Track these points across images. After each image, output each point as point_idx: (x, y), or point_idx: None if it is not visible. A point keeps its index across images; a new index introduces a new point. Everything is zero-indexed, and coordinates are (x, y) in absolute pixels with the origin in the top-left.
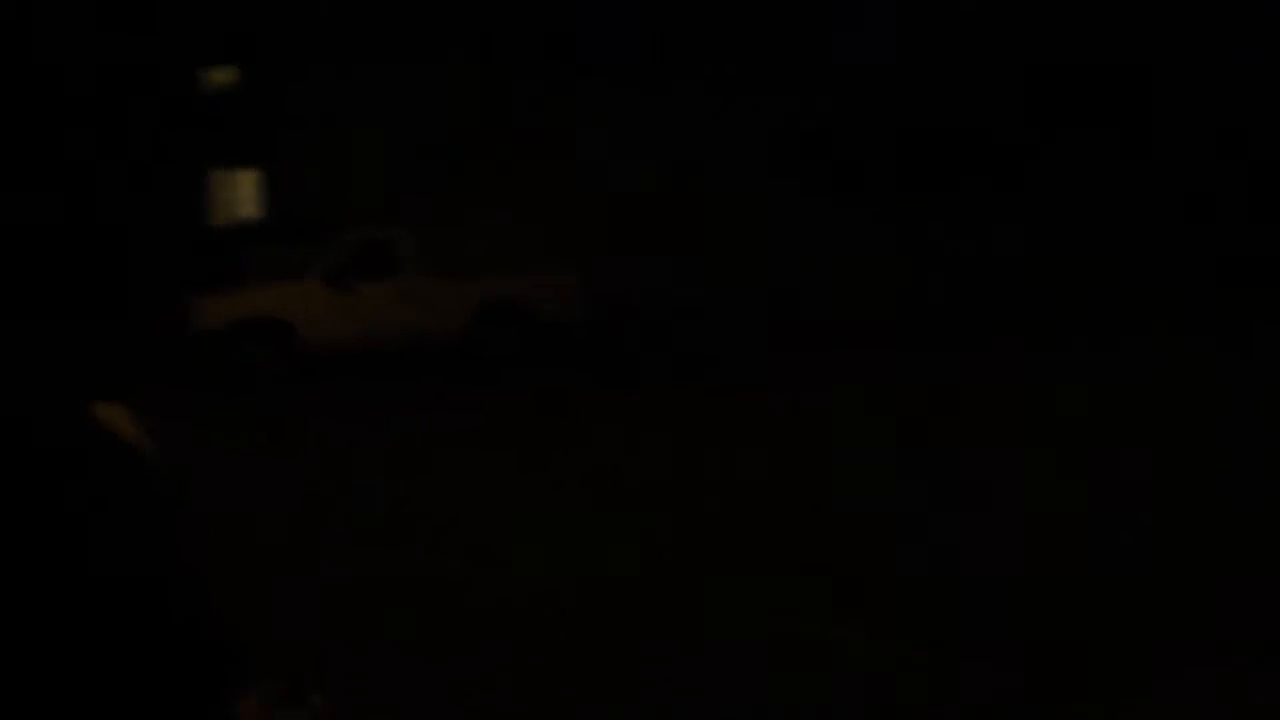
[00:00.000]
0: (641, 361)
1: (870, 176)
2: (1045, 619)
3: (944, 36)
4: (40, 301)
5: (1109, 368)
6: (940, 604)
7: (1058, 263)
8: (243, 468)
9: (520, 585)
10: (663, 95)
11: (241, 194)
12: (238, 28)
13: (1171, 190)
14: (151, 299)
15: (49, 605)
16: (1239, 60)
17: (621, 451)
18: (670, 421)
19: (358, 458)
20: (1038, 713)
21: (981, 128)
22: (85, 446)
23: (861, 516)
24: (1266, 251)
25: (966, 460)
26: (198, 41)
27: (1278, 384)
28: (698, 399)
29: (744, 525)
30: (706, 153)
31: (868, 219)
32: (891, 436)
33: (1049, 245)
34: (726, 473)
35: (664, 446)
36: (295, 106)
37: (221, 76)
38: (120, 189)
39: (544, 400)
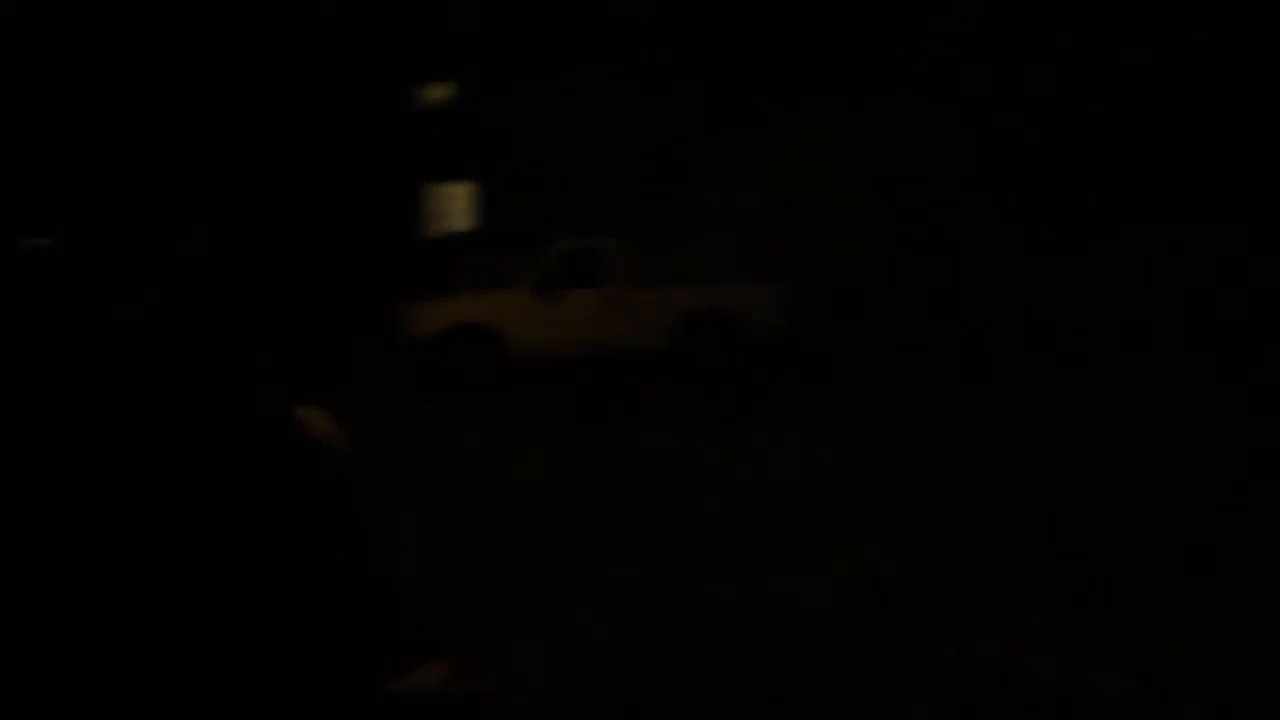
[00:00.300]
0: (844, 373)
1: (1091, 191)
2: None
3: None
4: (255, 306)
5: None
6: (1158, 637)
7: None
8: (445, 469)
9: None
10: (872, 106)
11: (455, 206)
12: (452, 45)
13: None
14: (367, 307)
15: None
16: None
17: (823, 462)
18: (877, 435)
19: (559, 461)
20: None
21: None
22: (284, 444)
23: (1101, 536)
24: None
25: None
26: (414, 59)
27: None
28: (903, 413)
29: (957, 538)
30: (919, 164)
31: (1081, 236)
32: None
33: None
34: (944, 486)
35: (866, 460)
36: (506, 120)
37: (437, 93)
38: (342, 200)
39: (746, 408)
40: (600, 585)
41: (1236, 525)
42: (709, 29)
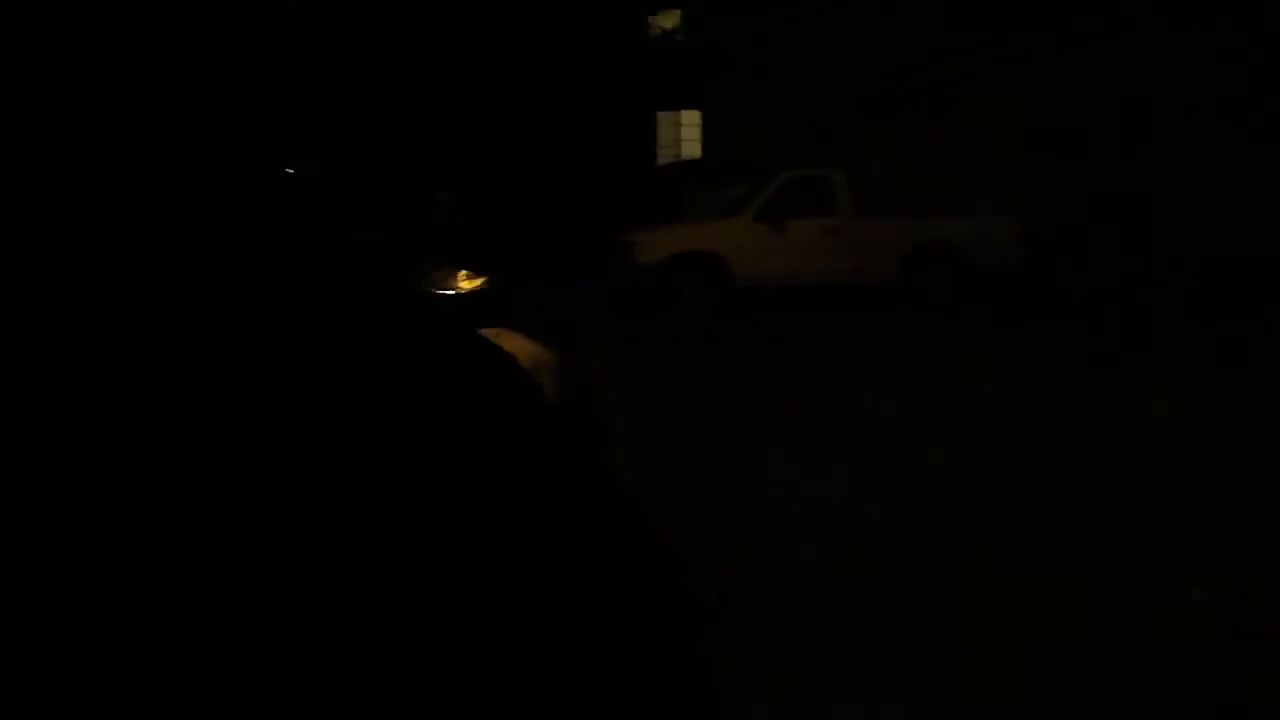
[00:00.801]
0: (1073, 308)
1: None
2: None
3: None
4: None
5: None
6: None
7: None
8: (669, 393)
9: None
10: (1107, 36)
11: (684, 134)
12: None
13: None
14: (601, 235)
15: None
16: None
17: (1039, 397)
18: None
19: (779, 389)
20: None
21: None
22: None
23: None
24: None
25: None
26: None
27: None
28: (1126, 347)
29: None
30: (1155, 94)
31: None
32: None
33: None
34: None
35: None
36: (734, 47)
37: (665, 21)
38: (575, 129)
39: (967, 343)
40: (820, 517)
41: None
42: None
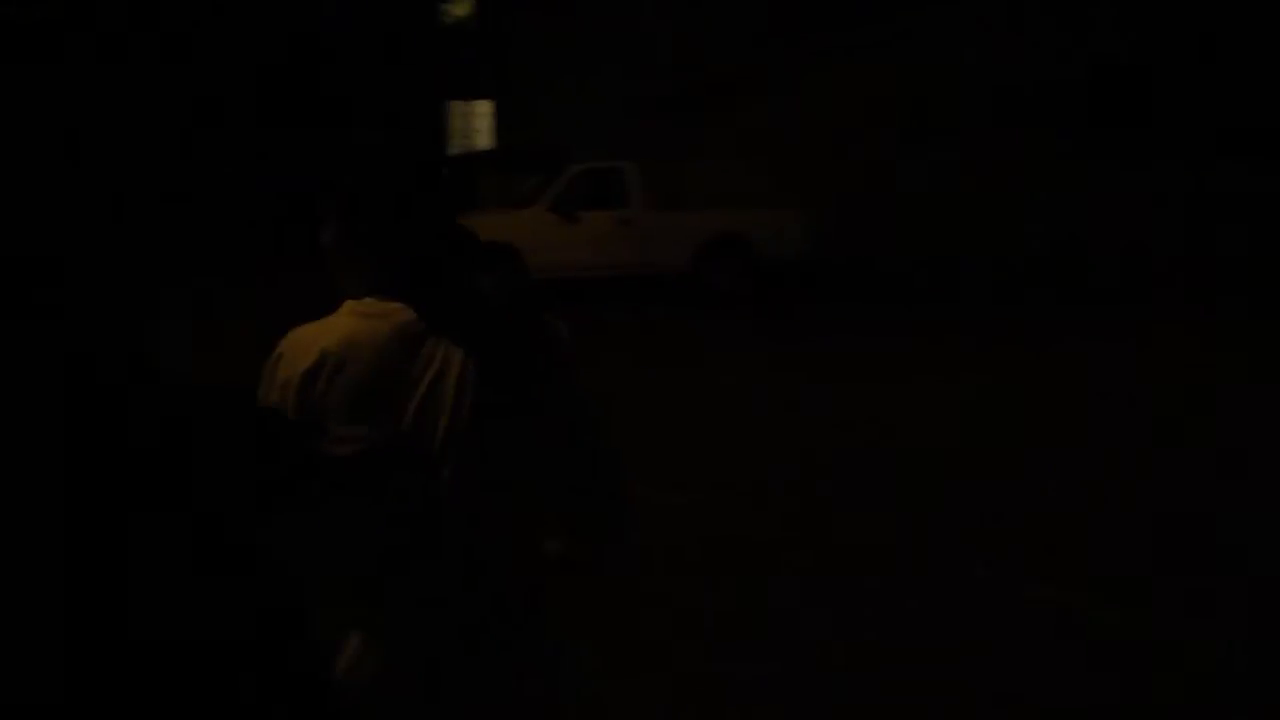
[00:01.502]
0: (860, 300)
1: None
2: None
3: None
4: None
5: None
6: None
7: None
8: None
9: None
10: (894, 32)
11: (476, 124)
12: None
13: None
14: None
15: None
16: None
17: (813, 390)
18: (873, 362)
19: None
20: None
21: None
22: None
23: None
24: None
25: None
26: None
27: None
28: (907, 338)
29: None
30: (940, 92)
31: (1106, 165)
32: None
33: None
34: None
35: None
36: (528, 39)
37: (457, 9)
38: (364, 118)
39: (760, 332)
40: None
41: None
42: None
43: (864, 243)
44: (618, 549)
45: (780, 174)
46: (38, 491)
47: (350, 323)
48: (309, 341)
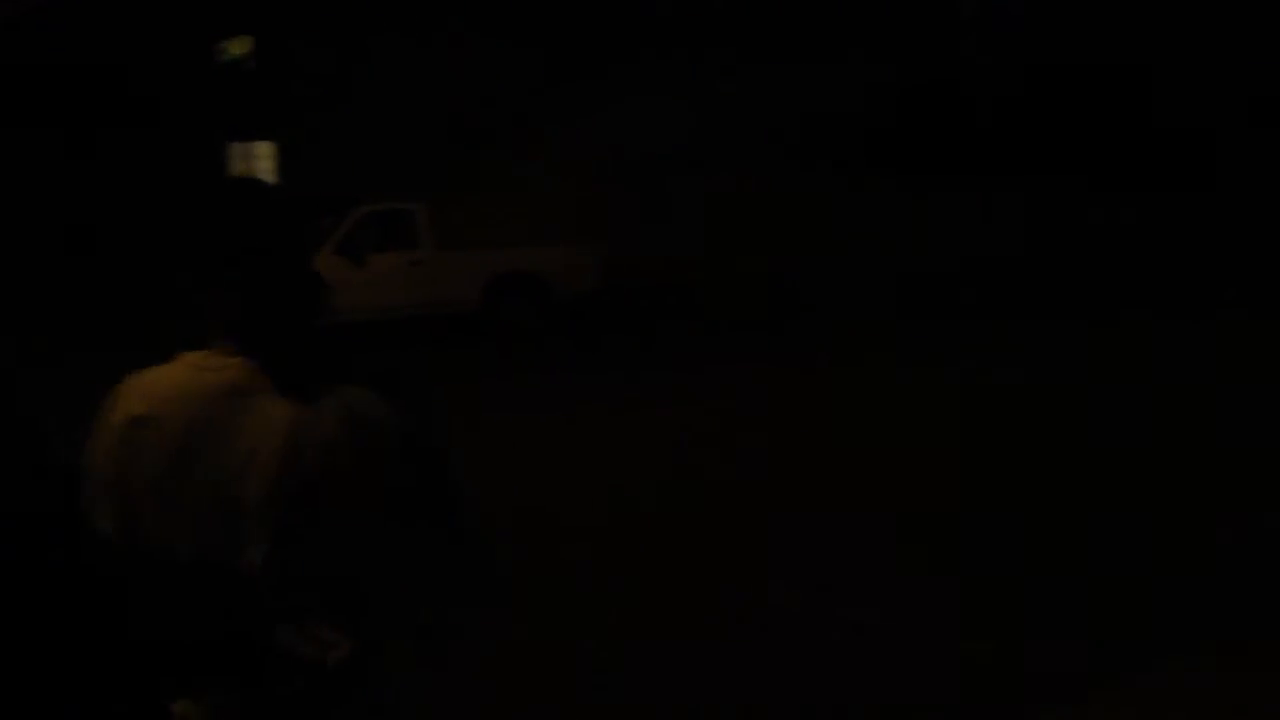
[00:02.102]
0: (657, 335)
1: (886, 156)
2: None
3: None
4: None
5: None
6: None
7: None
8: None
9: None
10: (681, 69)
11: (258, 166)
12: None
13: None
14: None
15: None
16: None
17: (609, 426)
18: (681, 394)
19: None
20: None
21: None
22: None
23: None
24: None
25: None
26: (212, 12)
27: None
28: (709, 370)
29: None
30: (730, 128)
31: (886, 200)
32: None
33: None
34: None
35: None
36: (311, 78)
37: (236, 47)
38: (141, 161)
39: (550, 372)
40: None
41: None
42: None
43: (648, 276)
44: (492, 610)
45: (569, 209)
46: None
47: (183, 374)
48: (143, 389)
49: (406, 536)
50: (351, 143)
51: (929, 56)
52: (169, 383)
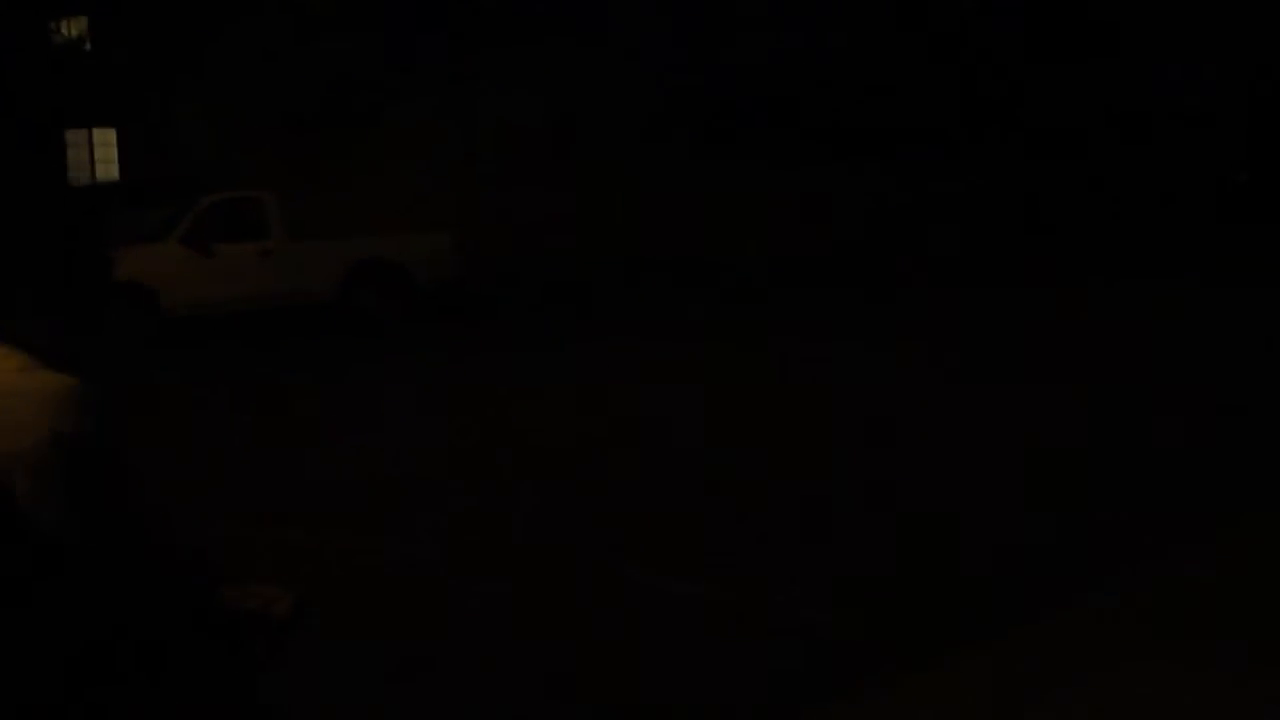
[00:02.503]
0: (519, 320)
1: (745, 133)
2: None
3: None
4: None
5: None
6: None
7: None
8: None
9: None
10: (542, 50)
11: (98, 154)
12: None
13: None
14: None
15: None
16: None
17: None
18: (557, 371)
19: (230, 423)
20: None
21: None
22: None
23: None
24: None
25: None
26: None
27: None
28: (581, 351)
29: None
30: (584, 109)
31: (741, 172)
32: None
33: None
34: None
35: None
36: (151, 62)
37: (71, 29)
38: None
39: (423, 358)
40: None
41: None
42: None
43: (505, 262)
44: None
45: (425, 196)
46: None
47: None
48: None
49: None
50: (198, 129)
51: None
52: None
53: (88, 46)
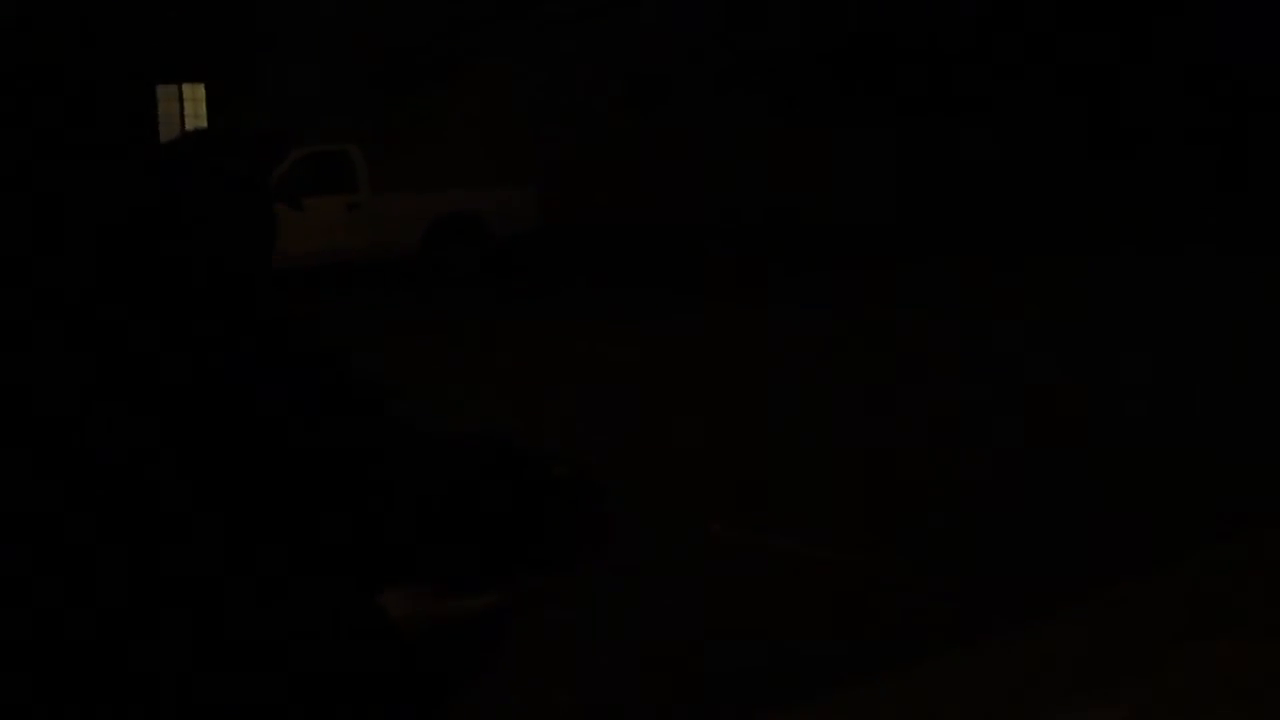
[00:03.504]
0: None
1: (818, 94)
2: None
3: None
4: None
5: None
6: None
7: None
8: None
9: None
10: (622, 8)
11: (188, 110)
12: None
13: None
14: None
15: None
16: None
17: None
18: (622, 335)
19: None
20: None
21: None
22: None
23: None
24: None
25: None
26: None
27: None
28: (652, 311)
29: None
30: (664, 69)
31: (818, 138)
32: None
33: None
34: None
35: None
36: (237, 19)
37: None
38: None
39: (498, 313)
40: None
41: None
42: None
43: (593, 214)
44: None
45: (508, 149)
46: None
47: None
48: None
49: None
50: (281, 85)
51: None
52: None
53: (181, 6)
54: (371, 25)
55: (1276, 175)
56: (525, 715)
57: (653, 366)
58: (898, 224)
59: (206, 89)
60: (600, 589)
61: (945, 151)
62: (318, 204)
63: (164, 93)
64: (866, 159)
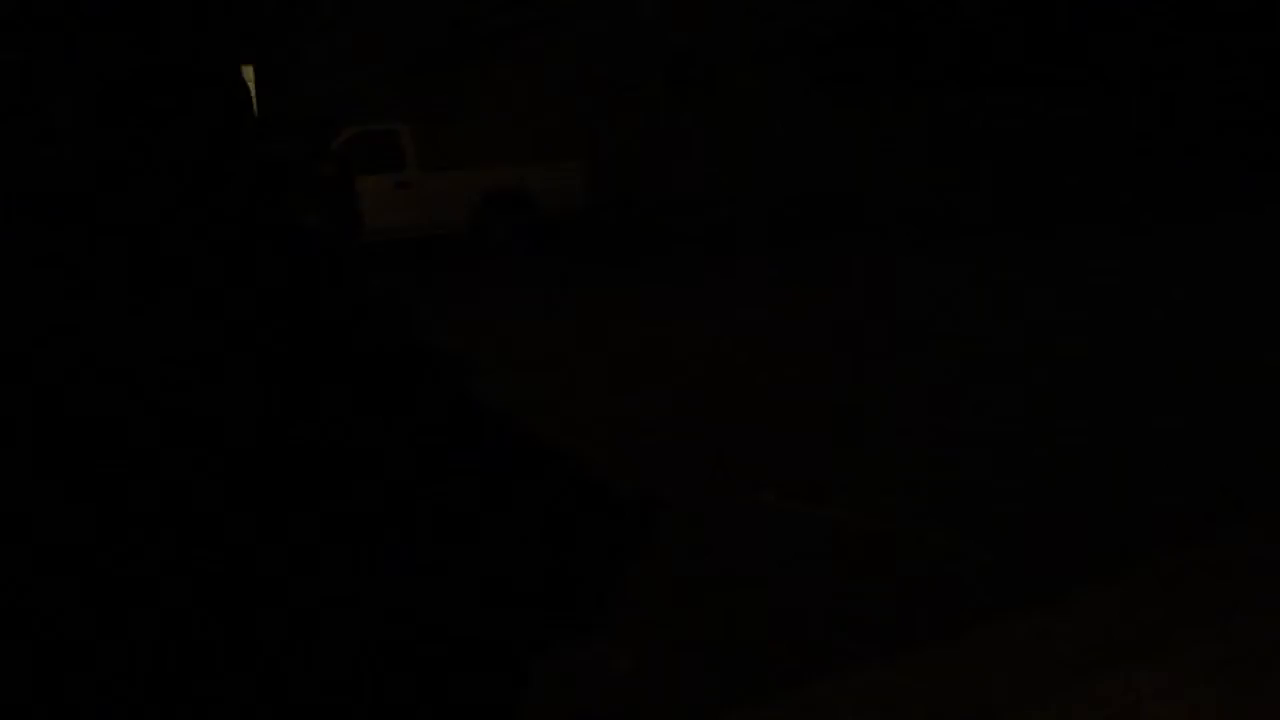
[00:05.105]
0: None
1: (871, 72)
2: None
3: None
4: None
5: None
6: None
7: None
8: None
9: None
10: None
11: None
12: None
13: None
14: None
15: None
16: None
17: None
18: (668, 305)
19: None
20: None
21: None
22: None
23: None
24: None
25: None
26: None
27: None
28: (693, 284)
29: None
30: (719, 38)
31: (868, 115)
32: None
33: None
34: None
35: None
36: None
37: None
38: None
39: (548, 289)
40: None
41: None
42: None
43: (637, 192)
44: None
45: (552, 127)
46: None
47: None
48: None
49: None
50: (327, 65)
51: None
52: None
53: None
54: (414, 3)
55: None
56: (585, 682)
57: (716, 349)
58: (964, 202)
59: (255, 70)
60: (663, 554)
61: (1019, 126)
62: (367, 183)
63: None
64: (921, 135)
